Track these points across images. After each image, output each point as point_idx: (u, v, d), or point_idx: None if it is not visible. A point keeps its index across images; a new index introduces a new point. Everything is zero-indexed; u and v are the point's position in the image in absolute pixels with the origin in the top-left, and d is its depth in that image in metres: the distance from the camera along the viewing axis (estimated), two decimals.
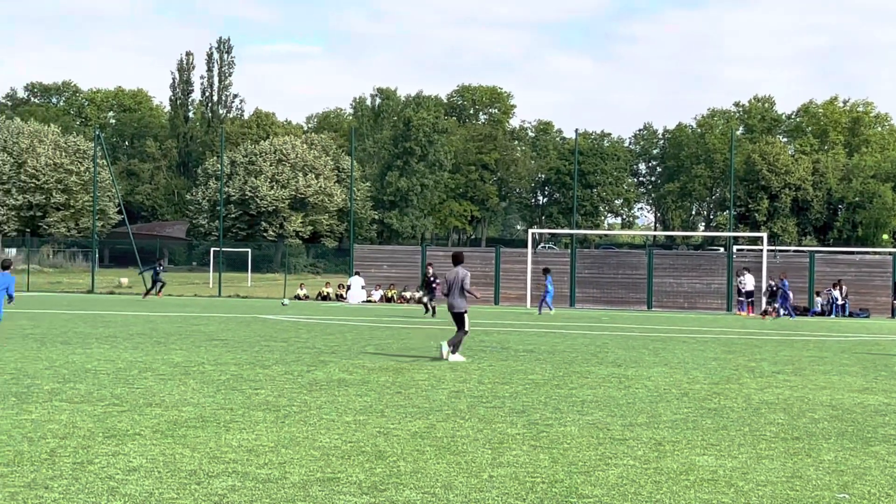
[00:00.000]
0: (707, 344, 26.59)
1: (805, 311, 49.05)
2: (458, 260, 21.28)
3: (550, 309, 43.30)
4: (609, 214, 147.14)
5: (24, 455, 9.77)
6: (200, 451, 10.19)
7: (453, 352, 20.24)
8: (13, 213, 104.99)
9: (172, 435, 11.07)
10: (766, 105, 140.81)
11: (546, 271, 44.08)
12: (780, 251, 76.10)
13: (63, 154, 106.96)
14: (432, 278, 39.55)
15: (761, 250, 51.32)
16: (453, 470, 9.56)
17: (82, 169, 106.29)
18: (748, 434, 12.06)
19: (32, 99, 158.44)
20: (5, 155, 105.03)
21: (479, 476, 9.33)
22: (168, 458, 9.82)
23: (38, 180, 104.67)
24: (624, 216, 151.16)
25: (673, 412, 13.70)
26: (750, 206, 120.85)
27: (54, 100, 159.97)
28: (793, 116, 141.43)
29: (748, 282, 47.47)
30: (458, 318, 20.80)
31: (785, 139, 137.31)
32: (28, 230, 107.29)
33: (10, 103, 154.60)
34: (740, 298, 48.16)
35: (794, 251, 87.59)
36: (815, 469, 10.06)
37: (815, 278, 50.89)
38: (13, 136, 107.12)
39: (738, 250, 58.82)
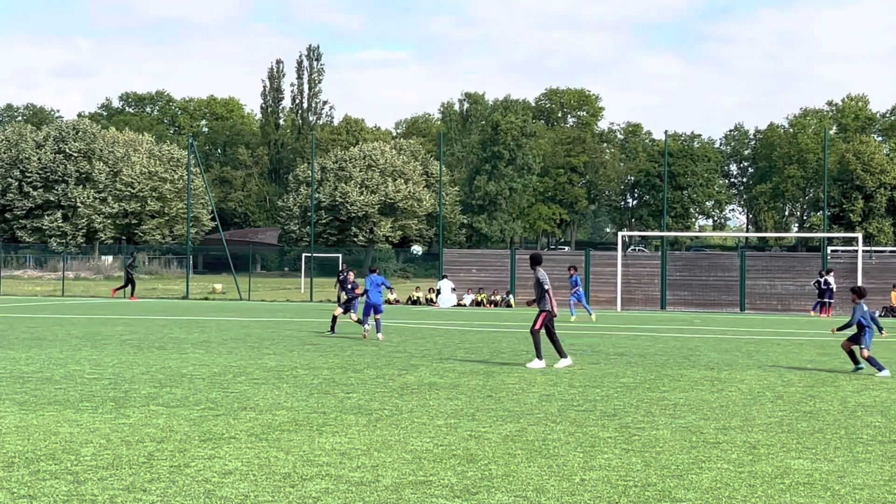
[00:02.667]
0: (802, 346, 26.22)
1: None
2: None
3: (590, 312, 39.88)
4: (700, 216, 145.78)
5: (123, 458, 9.95)
6: (294, 454, 10.30)
7: None
8: (109, 220, 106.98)
9: (267, 438, 11.20)
10: (860, 104, 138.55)
11: (573, 269, 40.33)
12: (876, 252, 74.79)
13: (157, 162, 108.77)
14: (351, 286, 30.31)
15: (856, 251, 50.50)
16: (545, 473, 9.55)
17: (176, 177, 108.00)
18: (844, 437, 11.89)
19: (127, 108, 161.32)
20: (101, 164, 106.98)
21: (570, 480, 9.31)
22: (263, 461, 9.94)
23: (134, 188, 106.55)
24: (715, 218, 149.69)
25: (767, 415, 13.55)
26: (844, 206, 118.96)
27: (148, 109, 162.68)
28: (887, 115, 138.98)
29: (832, 282, 47.12)
30: None
31: (880, 138, 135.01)
32: (124, 237, 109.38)
33: (105, 113, 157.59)
34: (828, 300, 47.35)
35: (890, 252, 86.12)
36: None
37: None
38: (109, 145, 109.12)
39: (832, 251, 57.94)
